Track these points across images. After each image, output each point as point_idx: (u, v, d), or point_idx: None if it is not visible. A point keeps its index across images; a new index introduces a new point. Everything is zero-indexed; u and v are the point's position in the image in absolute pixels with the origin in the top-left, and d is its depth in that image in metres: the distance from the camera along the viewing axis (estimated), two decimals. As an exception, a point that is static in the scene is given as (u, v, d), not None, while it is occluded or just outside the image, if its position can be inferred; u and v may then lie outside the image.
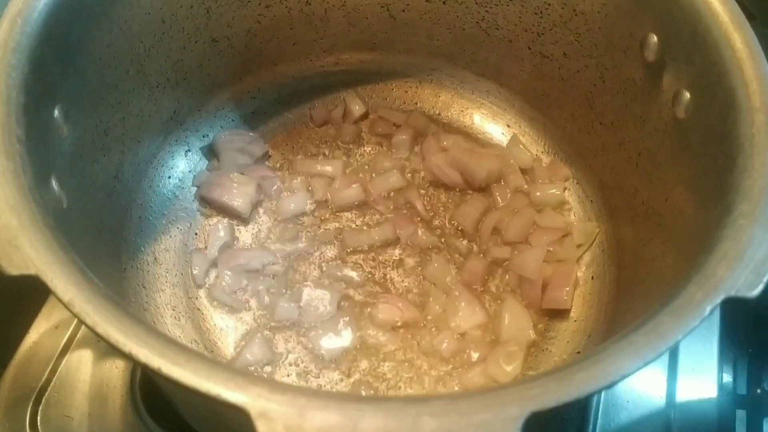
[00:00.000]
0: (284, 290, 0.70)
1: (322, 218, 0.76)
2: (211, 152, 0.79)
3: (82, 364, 0.67)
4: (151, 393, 0.66)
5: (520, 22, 0.74)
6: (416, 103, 0.85)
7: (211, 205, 0.75)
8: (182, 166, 0.77)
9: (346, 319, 0.68)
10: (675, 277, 0.46)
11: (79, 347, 0.68)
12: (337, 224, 0.75)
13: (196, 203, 0.76)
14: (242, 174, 0.77)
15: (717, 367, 0.70)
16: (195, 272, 0.71)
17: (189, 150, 0.77)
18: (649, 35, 0.59)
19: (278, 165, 0.80)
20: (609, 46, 0.66)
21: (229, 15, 0.73)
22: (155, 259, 0.70)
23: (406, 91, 0.85)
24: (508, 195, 0.77)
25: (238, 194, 0.74)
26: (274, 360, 0.66)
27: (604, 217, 0.73)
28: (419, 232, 0.74)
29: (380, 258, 0.73)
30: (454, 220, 0.75)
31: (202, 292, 0.70)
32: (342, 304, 0.69)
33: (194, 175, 0.77)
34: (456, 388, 0.64)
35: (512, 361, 0.65)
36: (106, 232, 0.65)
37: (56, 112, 0.53)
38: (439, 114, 0.84)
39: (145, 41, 0.66)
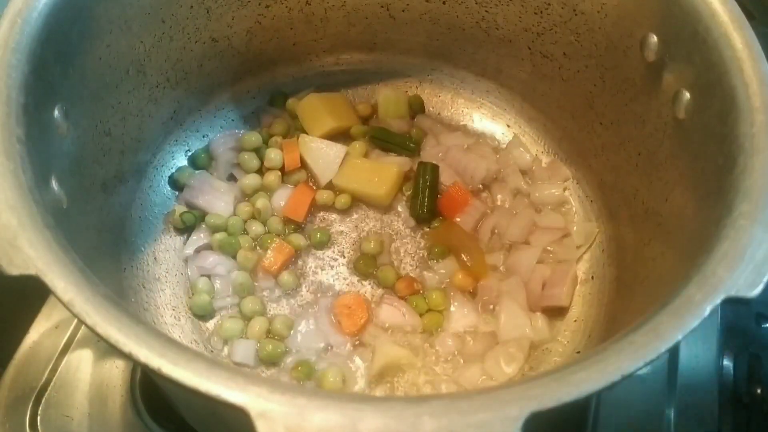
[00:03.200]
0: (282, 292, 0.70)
1: (318, 217, 0.76)
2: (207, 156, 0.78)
3: (82, 364, 0.67)
4: (151, 393, 0.66)
5: (520, 22, 0.74)
6: (416, 103, 0.85)
7: (195, 209, 0.74)
8: (182, 166, 0.76)
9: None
10: (675, 276, 0.46)
11: (79, 347, 0.68)
12: (336, 222, 0.75)
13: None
14: (232, 175, 0.77)
15: (717, 367, 0.70)
16: (190, 273, 0.70)
17: (189, 150, 0.77)
18: (649, 35, 0.59)
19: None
20: (609, 46, 0.66)
21: (229, 15, 0.73)
22: (155, 259, 0.70)
23: (406, 91, 0.85)
24: (508, 195, 0.76)
25: (219, 200, 0.74)
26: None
27: (604, 217, 0.73)
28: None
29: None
30: (454, 220, 0.75)
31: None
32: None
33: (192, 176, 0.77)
34: (455, 389, 0.64)
35: (512, 361, 0.65)
36: (106, 232, 0.65)
37: (56, 112, 0.53)
38: (439, 114, 0.84)
39: (145, 41, 0.66)
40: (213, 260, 0.70)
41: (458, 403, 0.36)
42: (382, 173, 0.75)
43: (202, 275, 0.70)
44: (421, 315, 0.68)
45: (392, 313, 0.68)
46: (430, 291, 0.69)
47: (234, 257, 0.71)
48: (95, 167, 0.62)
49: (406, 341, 0.67)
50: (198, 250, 0.72)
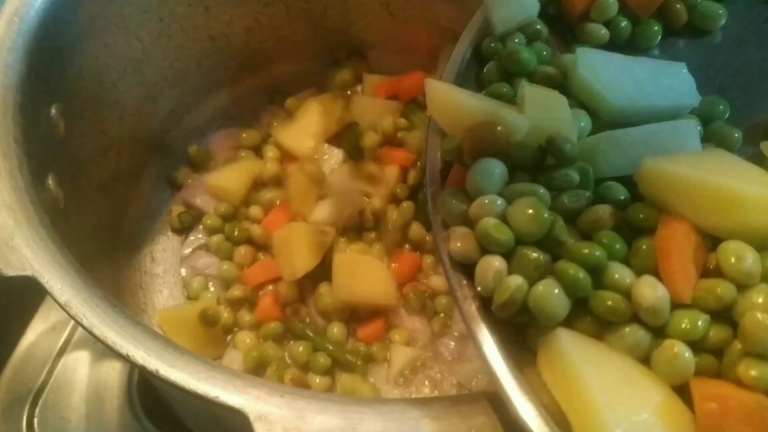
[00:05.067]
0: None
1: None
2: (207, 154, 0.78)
3: (79, 365, 0.67)
4: (148, 395, 0.65)
5: (521, 21, 0.73)
6: (416, 102, 0.85)
7: (193, 209, 0.74)
8: (180, 165, 0.76)
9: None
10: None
11: (76, 349, 0.68)
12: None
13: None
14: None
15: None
16: (183, 274, 0.70)
17: (187, 149, 0.77)
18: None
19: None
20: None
21: (228, 13, 0.73)
22: (153, 259, 0.70)
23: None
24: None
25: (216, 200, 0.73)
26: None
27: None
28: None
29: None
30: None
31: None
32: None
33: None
34: (457, 391, 0.64)
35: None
36: (104, 232, 0.64)
37: (53, 112, 0.53)
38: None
39: (142, 39, 0.65)
40: (205, 261, 0.70)
41: (459, 406, 0.36)
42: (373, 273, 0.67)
43: (196, 275, 0.69)
44: (429, 319, 0.67)
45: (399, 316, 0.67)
46: (439, 295, 0.68)
47: (231, 258, 0.70)
48: (92, 167, 0.61)
49: (416, 343, 0.66)
50: (194, 251, 0.71)
